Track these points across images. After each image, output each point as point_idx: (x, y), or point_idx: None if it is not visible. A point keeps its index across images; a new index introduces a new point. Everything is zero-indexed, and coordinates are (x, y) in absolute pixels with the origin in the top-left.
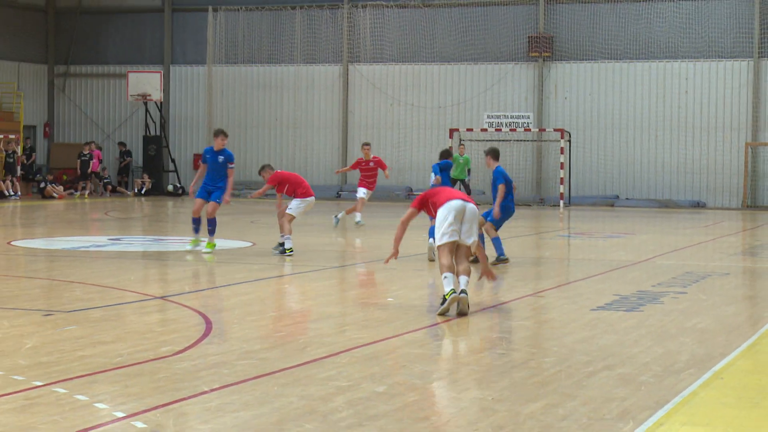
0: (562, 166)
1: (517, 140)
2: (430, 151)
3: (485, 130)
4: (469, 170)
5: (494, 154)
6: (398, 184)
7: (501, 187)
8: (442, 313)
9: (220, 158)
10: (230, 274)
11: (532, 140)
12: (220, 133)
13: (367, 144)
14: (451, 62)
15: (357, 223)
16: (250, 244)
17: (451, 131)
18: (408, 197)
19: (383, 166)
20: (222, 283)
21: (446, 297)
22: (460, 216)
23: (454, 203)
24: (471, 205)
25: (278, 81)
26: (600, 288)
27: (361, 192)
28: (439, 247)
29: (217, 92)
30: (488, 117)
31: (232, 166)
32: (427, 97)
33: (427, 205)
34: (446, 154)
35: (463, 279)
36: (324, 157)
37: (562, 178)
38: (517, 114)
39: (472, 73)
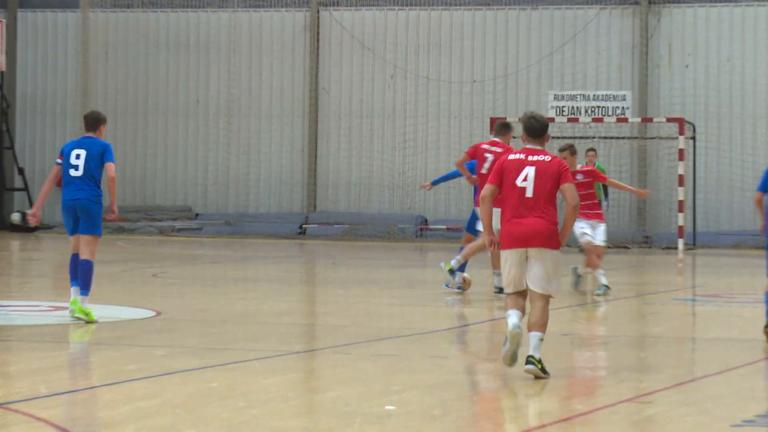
0: (681, 180)
1: (605, 137)
2: (458, 156)
3: (551, 119)
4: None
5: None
6: (403, 211)
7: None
8: (508, 361)
9: (91, 152)
10: (118, 363)
11: (629, 137)
12: (96, 120)
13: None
14: (492, 5)
15: (600, 290)
16: (152, 313)
17: (493, 121)
18: (419, 234)
19: (601, 178)
20: (104, 380)
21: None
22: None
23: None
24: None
25: (202, 38)
26: (746, 389)
27: (582, 228)
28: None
29: (97, 55)
30: (555, 98)
31: (110, 161)
32: (453, 64)
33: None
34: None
35: (534, 337)
36: (278, 164)
37: (681, 202)
38: (604, 93)
39: (528, 24)
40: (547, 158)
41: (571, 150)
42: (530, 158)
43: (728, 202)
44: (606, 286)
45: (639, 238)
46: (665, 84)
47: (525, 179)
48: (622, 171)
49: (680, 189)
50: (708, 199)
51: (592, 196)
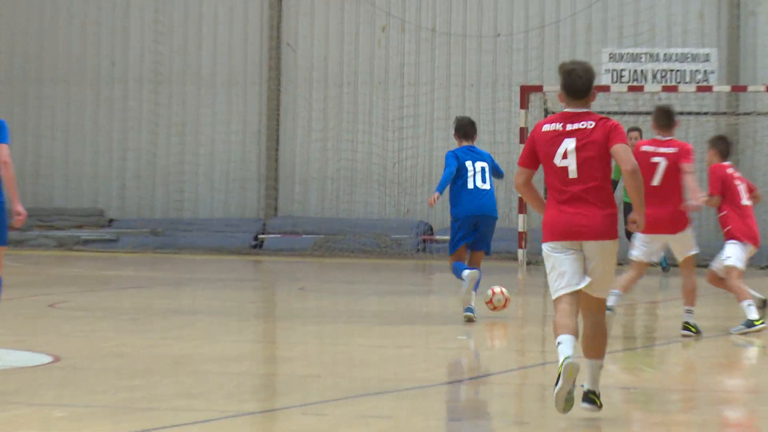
0: None
1: (680, 113)
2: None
3: (607, 88)
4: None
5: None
6: (399, 216)
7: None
8: (562, 404)
9: None
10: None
11: (713, 113)
12: None
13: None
14: None
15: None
16: (48, 358)
17: (525, 91)
18: (422, 247)
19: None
20: None
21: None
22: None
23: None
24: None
25: None
26: None
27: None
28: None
29: None
30: (611, 58)
31: (4, 142)
32: (469, 12)
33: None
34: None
35: (591, 366)
36: (224, 152)
37: None
38: (679, 52)
39: None
40: (591, 123)
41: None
42: (569, 127)
43: None
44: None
45: None
46: (764, 38)
47: (564, 156)
48: (704, 159)
49: None
50: None
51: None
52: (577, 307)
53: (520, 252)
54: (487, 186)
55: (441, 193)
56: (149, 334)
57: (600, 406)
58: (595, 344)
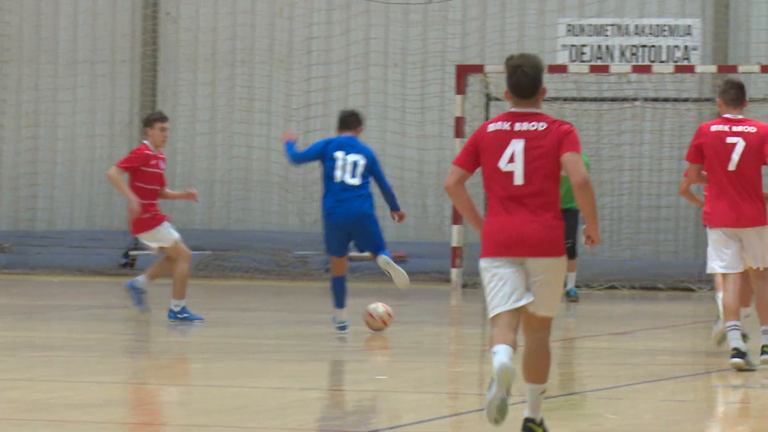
0: None
1: (655, 99)
2: (411, 134)
3: (563, 68)
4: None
5: None
6: (304, 228)
7: None
8: (494, 413)
9: None
10: None
11: (696, 98)
12: None
13: None
14: None
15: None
16: None
17: (462, 72)
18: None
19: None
20: None
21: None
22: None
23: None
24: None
25: None
26: None
27: None
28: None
29: None
30: (569, 31)
31: None
32: None
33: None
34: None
35: (532, 391)
36: (87, 148)
37: None
38: (654, 23)
39: None
40: (542, 125)
41: None
42: (518, 127)
43: None
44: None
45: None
46: (759, 7)
47: (511, 160)
48: (683, 157)
49: None
50: None
51: None
52: (517, 324)
53: (454, 272)
54: (356, 182)
55: (290, 156)
56: None
57: None
58: (536, 365)
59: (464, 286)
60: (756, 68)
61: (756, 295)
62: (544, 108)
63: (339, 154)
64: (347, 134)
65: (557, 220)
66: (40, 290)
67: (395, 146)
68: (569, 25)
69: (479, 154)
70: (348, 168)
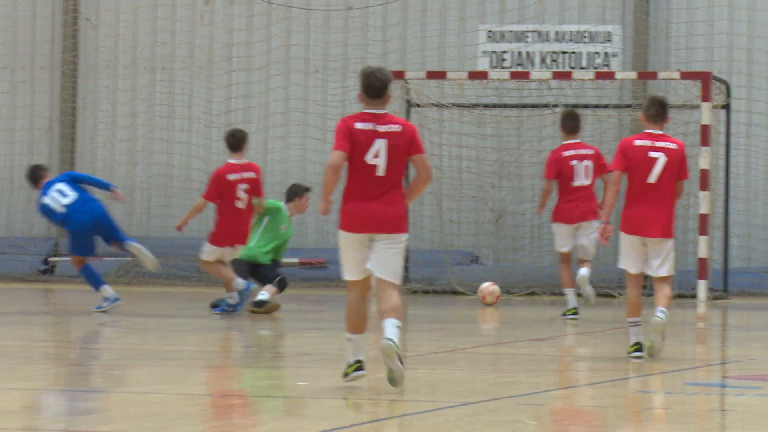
0: (703, 180)
1: (576, 105)
2: (331, 141)
3: (484, 74)
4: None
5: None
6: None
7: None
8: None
9: None
10: None
11: (616, 105)
12: None
13: None
14: None
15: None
16: None
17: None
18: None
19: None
20: None
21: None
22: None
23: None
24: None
25: None
26: None
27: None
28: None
29: None
30: (489, 38)
31: None
32: None
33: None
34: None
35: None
36: (4, 154)
37: (704, 218)
38: (575, 30)
39: None
40: (399, 127)
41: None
42: (380, 128)
43: None
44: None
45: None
46: (679, 14)
47: (376, 155)
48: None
49: (702, 195)
50: (750, 213)
51: None
52: (366, 292)
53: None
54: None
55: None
56: None
57: (399, 354)
58: (393, 308)
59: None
60: (676, 75)
61: (655, 298)
62: (464, 114)
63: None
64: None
65: (404, 204)
66: None
67: (316, 152)
68: (490, 31)
69: (352, 144)
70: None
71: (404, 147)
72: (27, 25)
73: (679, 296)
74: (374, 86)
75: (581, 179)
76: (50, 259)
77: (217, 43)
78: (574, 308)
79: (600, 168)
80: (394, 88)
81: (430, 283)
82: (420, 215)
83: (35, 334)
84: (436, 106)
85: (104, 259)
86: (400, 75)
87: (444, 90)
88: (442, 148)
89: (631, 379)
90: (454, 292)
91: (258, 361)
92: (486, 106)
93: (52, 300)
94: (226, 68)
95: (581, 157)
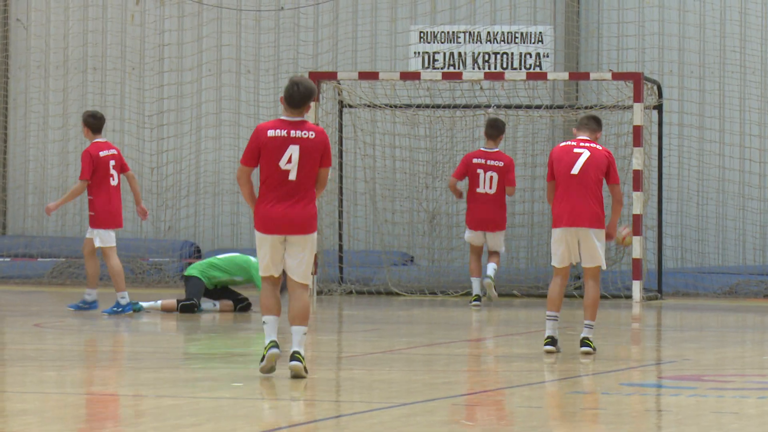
0: (636, 181)
1: (508, 107)
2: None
3: (416, 75)
4: None
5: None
6: (158, 235)
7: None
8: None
9: None
10: None
11: (548, 106)
12: None
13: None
14: None
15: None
16: None
17: (315, 78)
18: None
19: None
20: None
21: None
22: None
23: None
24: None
25: None
26: None
27: None
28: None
29: None
30: (421, 39)
31: None
32: None
33: None
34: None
35: (296, 333)
36: None
37: (637, 218)
38: (507, 30)
39: None
40: (312, 134)
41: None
42: (294, 134)
43: (719, 218)
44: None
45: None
46: (610, 15)
47: (289, 161)
48: (537, 164)
49: (635, 196)
50: (683, 214)
51: None
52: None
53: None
54: None
55: None
56: None
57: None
58: (299, 314)
59: (319, 293)
60: (608, 75)
61: (585, 293)
62: (397, 114)
63: None
64: None
65: (314, 207)
66: None
67: None
68: (422, 32)
69: (260, 152)
70: None
71: (316, 154)
72: None
73: (614, 296)
74: (294, 98)
75: (485, 187)
76: None
77: (149, 44)
78: (477, 295)
79: (506, 181)
80: (327, 89)
81: (365, 283)
82: (355, 215)
83: None
84: (369, 106)
85: (39, 260)
86: (332, 75)
87: (376, 91)
88: (375, 148)
89: (567, 379)
90: (390, 293)
91: (193, 362)
92: (418, 106)
93: None
94: (158, 69)
95: (487, 168)
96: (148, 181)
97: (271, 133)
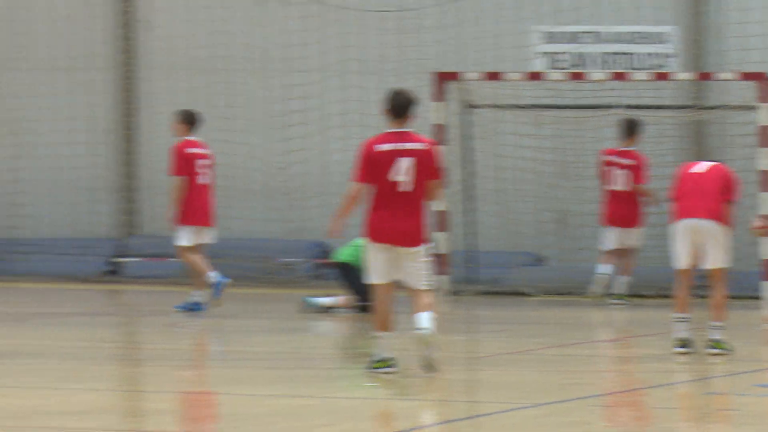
0: (765, 182)
1: (631, 107)
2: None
3: (537, 75)
4: None
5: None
6: (287, 234)
7: None
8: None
9: None
10: None
11: (674, 106)
12: None
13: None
14: None
15: None
16: None
17: (440, 79)
18: (316, 273)
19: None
20: None
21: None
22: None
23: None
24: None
25: None
26: None
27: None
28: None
29: None
30: (545, 39)
31: None
32: None
33: None
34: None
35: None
36: (68, 155)
37: (765, 217)
38: (631, 31)
39: None
40: (423, 145)
41: None
42: (403, 146)
43: None
44: None
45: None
46: (736, 16)
47: (399, 173)
48: (666, 163)
49: (764, 196)
50: None
51: None
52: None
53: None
54: None
55: None
56: None
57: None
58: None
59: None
60: (732, 76)
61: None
62: (522, 114)
63: None
64: None
65: (425, 217)
66: (25, 298)
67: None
68: (546, 33)
69: (373, 167)
70: None
71: (425, 164)
72: (82, 25)
73: (741, 297)
74: (397, 108)
75: (619, 185)
76: (115, 260)
77: (273, 45)
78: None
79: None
80: (451, 90)
81: (495, 283)
82: (487, 215)
83: (102, 334)
84: (493, 107)
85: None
86: (456, 76)
87: (500, 91)
88: (503, 148)
89: (700, 381)
90: (520, 293)
91: (328, 363)
92: (544, 107)
93: (118, 300)
94: (283, 70)
95: (621, 166)
96: (276, 181)
97: (379, 147)
